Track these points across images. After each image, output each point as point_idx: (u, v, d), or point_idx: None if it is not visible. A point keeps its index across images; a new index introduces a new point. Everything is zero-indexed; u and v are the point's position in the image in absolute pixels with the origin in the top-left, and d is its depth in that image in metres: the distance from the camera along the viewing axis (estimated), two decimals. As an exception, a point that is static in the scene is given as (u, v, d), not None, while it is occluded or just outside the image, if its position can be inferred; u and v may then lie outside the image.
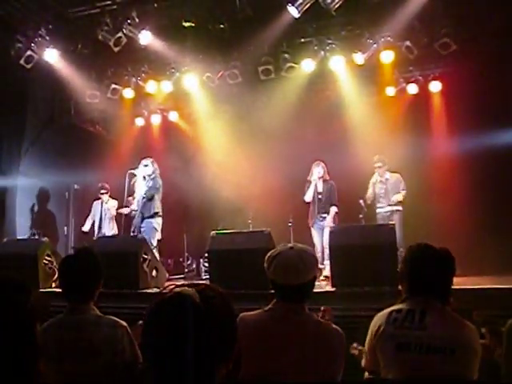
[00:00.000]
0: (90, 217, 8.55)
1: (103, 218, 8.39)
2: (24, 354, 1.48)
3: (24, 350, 1.48)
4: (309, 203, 7.63)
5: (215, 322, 1.21)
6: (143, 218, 7.27)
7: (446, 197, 7.82)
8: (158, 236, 7.41)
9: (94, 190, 9.05)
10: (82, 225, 8.64)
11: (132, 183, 7.41)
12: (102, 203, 8.46)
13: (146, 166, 7.43)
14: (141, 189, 7.36)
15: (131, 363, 2.45)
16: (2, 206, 8.45)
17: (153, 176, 7.41)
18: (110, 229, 8.43)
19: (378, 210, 7.61)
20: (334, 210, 7.44)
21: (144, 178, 7.38)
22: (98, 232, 8.38)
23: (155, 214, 7.33)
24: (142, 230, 7.22)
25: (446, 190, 7.91)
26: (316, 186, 7.51)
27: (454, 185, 7.95)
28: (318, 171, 7.51)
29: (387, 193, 7.48)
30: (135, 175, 7.40)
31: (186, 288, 1.24)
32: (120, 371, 2.40)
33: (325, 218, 7.45)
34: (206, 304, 1.21)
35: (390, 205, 7.45)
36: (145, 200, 7.26)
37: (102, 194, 8.45)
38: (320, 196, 7.50)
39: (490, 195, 7.74)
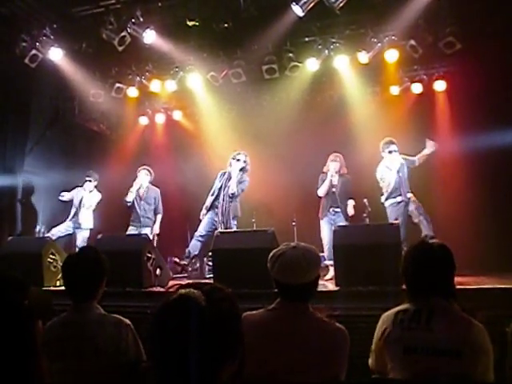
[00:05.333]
0: (66, 195, 8.15)
1: (81, 203, 8.05)
2: (22, 351, 1.47)
3: (22, 347, 1.48)
4: (321, 197, 7.29)
5: (221, 323, 1.20)
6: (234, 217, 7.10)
7: (449, 196, 7.81)
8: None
9: (98, 188, 9.07)
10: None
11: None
12: (83, 189, 8.14)
13: (238, 160, 7.18)
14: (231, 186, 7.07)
15: (135, 362, 2.45)
16: (7, 204, 8.47)
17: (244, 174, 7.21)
18: (86, 219, 8.05)
19: (391, 201, 6.85)
20: (351, 202, 7.12)
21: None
22: (72, 217, 8.00)
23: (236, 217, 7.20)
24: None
25: (450, 189, 7.90)
26: (331, 180, 7.16)
27: (458, 184, 7.94)
28: (334, 166, 7.19)
29: (400, 181, 6.74)
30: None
31: (192, 290, 1.23)
32: (124, 370, 2.41)
33: (337, 212, 7.10)
34: (213, 306, 1.20)
35: (401, 195, 6.75)
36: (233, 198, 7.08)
37: (86, 181, 8.12)
38: (334, 189, 7.12)
39: (494, 194, 7.72)
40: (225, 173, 7.25)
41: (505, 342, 2.32)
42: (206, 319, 1.16)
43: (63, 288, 2.65)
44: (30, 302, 1.57)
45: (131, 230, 7.71)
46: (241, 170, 7.18)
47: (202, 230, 7.12)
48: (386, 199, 6.95)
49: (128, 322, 2.54)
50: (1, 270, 5.19)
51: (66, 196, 8.16)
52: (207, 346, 1.15)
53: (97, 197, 8.22)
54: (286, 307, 2.25)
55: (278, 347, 2.14)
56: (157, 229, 7.90)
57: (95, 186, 8.25)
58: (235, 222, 7.19)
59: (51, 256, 6.26)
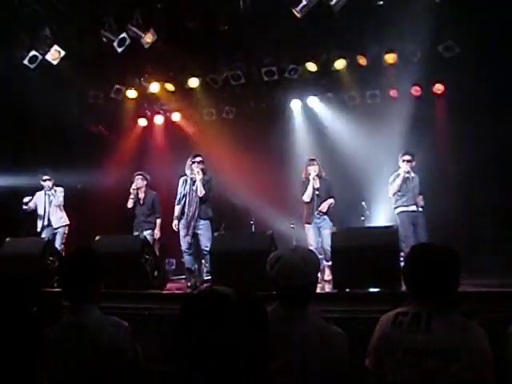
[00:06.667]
0: (30, 204, 7.87)
1: (47, 205, 7.88)
2: (26, 353, 1.46)
3: (26, 349, 1.47)
4: (307, 202, 7.32)
5: (251, 323, 1.20)
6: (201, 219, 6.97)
7: (448, 198, 7.81)
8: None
9: (97, 189, 9.04)
10: (82, 224, 8.41)
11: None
12: (45, 191, 7.96)
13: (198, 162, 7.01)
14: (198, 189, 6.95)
15: (133, 364, 2.45)
16: (6, 205, 8.45)
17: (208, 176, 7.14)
18: (59, 218, 7.97)
19: (402, 209, 7.03)
20: (331, 200, 7.20)
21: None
22: (43, 223, 7.87)
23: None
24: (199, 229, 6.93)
25: (449, 192, 7.90)
26: (313, 183, 7.24)
27: (456, 187, 7.94)
28: (314, 169, 7.24)
29: (413, 192, 6.99)
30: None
31: (224, 287, 1.23)
32: (122, 372, 2.40)
33: (322, 215, 7.16)
34: (245, 303, 1.21)
35: (415, 204, 6.99)
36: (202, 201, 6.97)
37: (45, 180, 7.94)
38: (318, 193, 7.19)
39: (493, 197, 7.73)
40: (186, 179, 7.07)
41: (504, 344, 2.32)
42: (237, 314, 1.16)
43: (61, 289, 2.64)
44: (40, 307, 1.55)
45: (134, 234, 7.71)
46: (202, 170, 7.02)
47: (184, 244, 7.03)
48: (397, 207, 7.07)
49: (126, 323, 2.53)
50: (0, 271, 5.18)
51: (30, 204, 7.88)
52: (234, 341, 1.15)
53: (61, 192, 8.07)
54: (285, 309, 2.24)
55: (276, 350, 2.13)
56: (158, 233, 7.86)
57: (53, 183, 8.09)
58: (207, 222, 6.99)
59: (49, 257, 6.25)
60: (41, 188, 8.07)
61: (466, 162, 7.99)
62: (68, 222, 8.09)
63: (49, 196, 7.99)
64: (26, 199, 7.86)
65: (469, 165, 7.94)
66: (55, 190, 8.05)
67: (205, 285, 6.30)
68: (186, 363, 1.18)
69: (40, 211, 7.95)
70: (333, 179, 7.53)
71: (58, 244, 7.77)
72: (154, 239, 7.87)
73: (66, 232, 8.05)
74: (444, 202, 7.73)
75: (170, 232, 7.72)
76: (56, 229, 7.92)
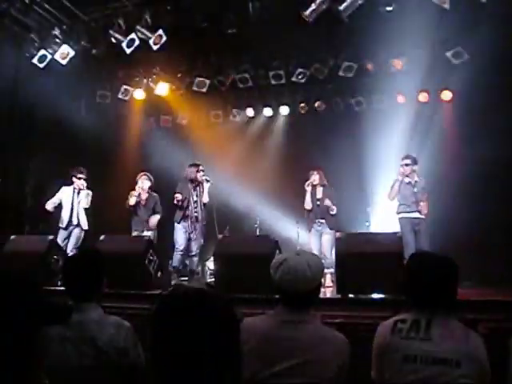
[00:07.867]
0: (53, 200, 7.57)
1: (75, 203, 7.58)
2: (26, 352, 1.46)
3: (25, 349, 1.46)
4: (309, 210, 7.54)
5: (229, 316, 1.22)
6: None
7: (452, 206, 7.77)
8: None
9: (103, 190, 9.04)
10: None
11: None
12: (79, 189, 7.64)
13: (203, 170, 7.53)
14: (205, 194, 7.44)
15: (134, 363, 2.45)
16: (10, 205, 8.48)
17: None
18: (84, 219, 7.69)
19: (403, 215, 6.92)
20: (331, 205, 7.34)
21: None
22: (70, 219, 7.56)
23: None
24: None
25: (453, 200, 7.86)
26: (312, 192, 7.49)
27: (462, 195, 7.90)
28: (313, 178, 7.51)
29: (416, 197, 6.84)
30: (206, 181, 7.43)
31: (197, 286, 1.24)
32: (123, 371, 2.40)
33: (322, 223, 7.36)
34: (219, 297, 1.22)
35: (418, 211, 6.82)
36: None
37: (80, 178, 7.61)
38: (319, 202, 7.44)
39: (497, 206, 7.69)
40: (187, 184, 7.43)
41: (507, 354, 2.31)
42: (215, 306, 1.17)
43: (64, 288, 2.65)
44: (45, 306, 1.54)
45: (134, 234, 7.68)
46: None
47: (181, 243, 7.35)
48: (399, 212, 7.01)
49: (128, 324, 2.53)
50: (4, 268, 5.19)
51: (54, 202, 7.58)
52: (206, 341, 1.15)
53: (90, 195, 7.76)
54: (288, 313, 2.23)
55: (277, 353, 2.13)
56: (153, 222, 7.79)
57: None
58: (204, 226, 7.56)
59: (53, 255, 6.26)
60: (69, 183, 7.74)
61: (474, 167, 7.94)
62: (87, 228, 7.78)
63: (78, 195, 7.65)
64: (50, 205, 7.57)
65: (477, 170, 7.90)
66: (88, 192, 7.73)
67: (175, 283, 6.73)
68: (159, 362, 1.18)
69: (66, 207, 7.61)
70: (338, 184, 7.58)
71: (73, 244, 7.55)
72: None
73: (83, 237, 7.77)
74: (452, 207, 7.69)
75: (173, 235, 7.73)
76: (77, 226, 7.63)
